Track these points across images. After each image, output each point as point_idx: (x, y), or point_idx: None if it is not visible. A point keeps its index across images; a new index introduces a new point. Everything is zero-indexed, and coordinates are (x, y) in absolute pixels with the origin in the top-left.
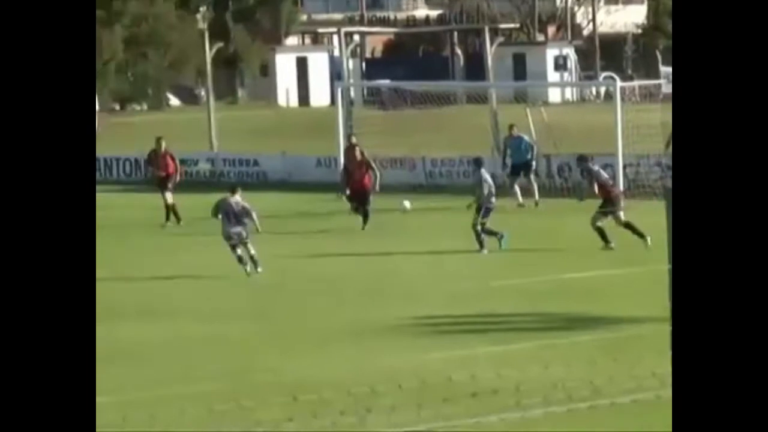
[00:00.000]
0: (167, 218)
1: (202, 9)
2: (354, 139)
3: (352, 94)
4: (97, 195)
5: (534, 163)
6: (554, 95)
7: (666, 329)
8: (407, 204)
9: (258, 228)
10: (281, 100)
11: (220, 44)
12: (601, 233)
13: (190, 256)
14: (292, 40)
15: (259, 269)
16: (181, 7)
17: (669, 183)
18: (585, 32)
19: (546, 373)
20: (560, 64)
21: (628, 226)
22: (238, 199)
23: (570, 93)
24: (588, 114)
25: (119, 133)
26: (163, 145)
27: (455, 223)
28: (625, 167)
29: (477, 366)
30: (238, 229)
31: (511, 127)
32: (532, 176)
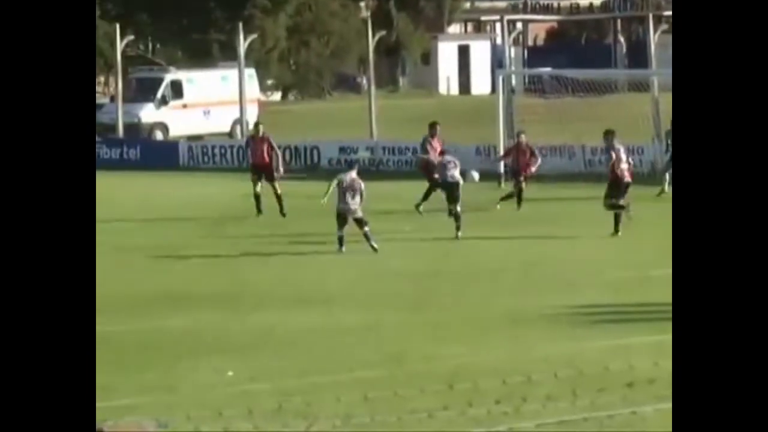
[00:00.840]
0: (258, 210)
1: None
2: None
3: (513, 82)
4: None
5: None
6: None
7: None
8: (476, 175)
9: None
10: (442, 89)
11: (383, 32)
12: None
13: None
14: (454, 28)
15: (375, 245)
16: None
17: None
18: None
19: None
20: None
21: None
22: (354, 175)
23: None
24: None
25: (280, 122)
26: (261, 130)
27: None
28: None
29: (634, 355)
30: (356, 205)
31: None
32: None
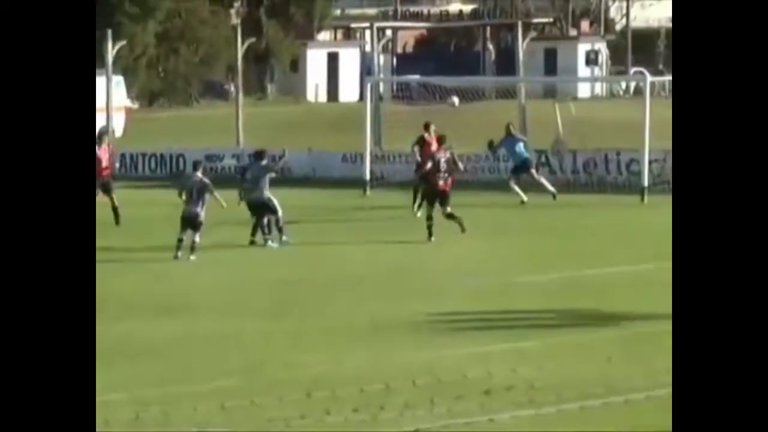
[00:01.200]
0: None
1: (236, 4)
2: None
3: (381, 89)
4: (120, 191)
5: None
6: (584, 90)
7: None
8: (455, 100)
9: (222, 204)
10: (310, 96)
11: (252, 39)
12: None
13: (208, 251)
14: (324, 36)
15: (193, 257)
16: (214, 2)
17: None
18: (618, 27)
19: (560, 371)
20: (591, 59)
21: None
22: (200, 175)
23: (600, 88)
24: (617, 109)
25: (146, 129)
26: (105, 139)
27: (478, 220)
28: (651, 162)
29: (492, 363)
30: (197, 210)
31: (507, 125)
32: (533, 173)
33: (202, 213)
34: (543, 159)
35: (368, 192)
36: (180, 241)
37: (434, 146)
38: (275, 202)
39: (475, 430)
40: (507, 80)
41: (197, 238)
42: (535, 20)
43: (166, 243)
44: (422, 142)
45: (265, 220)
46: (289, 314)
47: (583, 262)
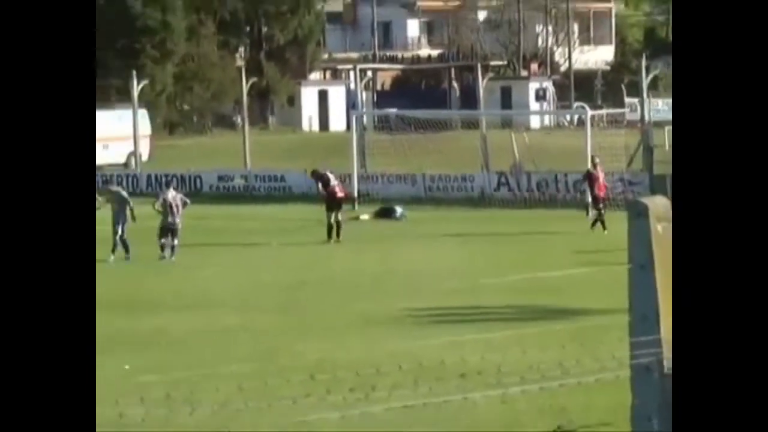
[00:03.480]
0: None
1: (240, 49)
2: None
3: (365, 121)
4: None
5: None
6: (535, 122)
7: (623, 319)
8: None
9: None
10: (305, 126)
11: (255, 79)
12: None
13: (223, 258)
14: (315, 75)
15: (174, 258)
16: (222, 48)
17: (630, 196)
18: (562, 68)
19: (523, 357)
20: (540, 96)
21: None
22: (173, 192)
23: (548, 120)
24: (563, 138)
25: (168, 155)
26: None
27: (449, 230)
28: None
29: (465, 350)
30: (176, 220)
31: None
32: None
33: (180, 223)
34: (503, 179)
35: (357, 206)
36: (163, 245)
37: (601, 177)
38: None
39: (452, 407)
40: (470, 113)
41: (176, 242)
42: (492, 63)
43: (188, 248)
44: (589, 176)
45: None
46: (294, 310)
47: (539, 266)
